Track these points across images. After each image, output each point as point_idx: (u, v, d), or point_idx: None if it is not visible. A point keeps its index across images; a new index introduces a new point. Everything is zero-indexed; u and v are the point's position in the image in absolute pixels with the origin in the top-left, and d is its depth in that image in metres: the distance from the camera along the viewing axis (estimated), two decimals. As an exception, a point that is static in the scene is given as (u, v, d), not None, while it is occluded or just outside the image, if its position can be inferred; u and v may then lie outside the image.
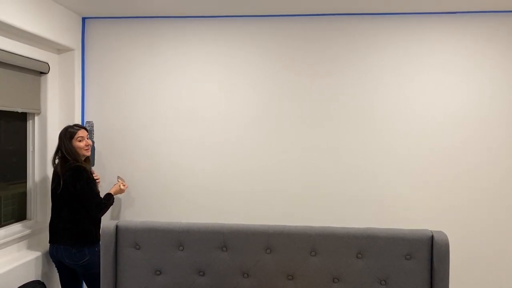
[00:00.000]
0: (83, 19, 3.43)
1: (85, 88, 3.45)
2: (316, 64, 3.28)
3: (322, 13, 3.24)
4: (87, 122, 3.43)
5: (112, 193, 2.97)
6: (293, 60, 3.30)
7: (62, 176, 2.74)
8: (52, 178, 2.84)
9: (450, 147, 3.20)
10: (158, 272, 2.30)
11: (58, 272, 2.90)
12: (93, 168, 3.42)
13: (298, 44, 3.29)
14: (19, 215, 3.09)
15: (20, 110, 2.94)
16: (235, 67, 3.34)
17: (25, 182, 3.14)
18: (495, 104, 3.16)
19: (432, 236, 2.19)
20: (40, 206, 3.20)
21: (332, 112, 3.28)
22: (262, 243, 2.26)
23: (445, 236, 2.17)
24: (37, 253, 2.94)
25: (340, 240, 2.23)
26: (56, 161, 2.84)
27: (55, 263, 2.88)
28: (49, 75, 3.20)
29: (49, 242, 2.84)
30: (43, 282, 2.83)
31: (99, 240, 2.83)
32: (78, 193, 2.72)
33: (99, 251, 2.81)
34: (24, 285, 2.71)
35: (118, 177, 3.23)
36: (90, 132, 3.41)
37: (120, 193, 3.09)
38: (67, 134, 2.81)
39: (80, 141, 2.82)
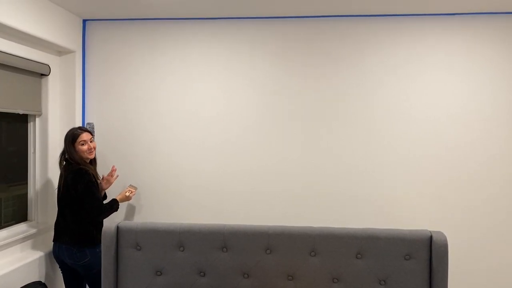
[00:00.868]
0: (84, 21, 3.44)
1: (85, 89, 3.46)
2: (316, 65, 3.29)
3: (321, 15, 3.25)
4: (88, 123, 3.45)
5: (118, 200, 2.98)
6: (293, 61, 3.31)
7: (65, 178, 2.78)
8: (59, 179, 2.88)
9: (450, 148, 3.21)
10: (159, 273, 2.31)
11: (61, 271, 2.93)
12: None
13: (298, 46, 3.30)
14: (20, 216, 3.10)
15: (21, 112, 2.95)
16: (235, 68, 3.36)
17: (26, 183, 3.15)
18: (496, 106, 3.18)
19: (431, 237, 2.20)
20: (41, 208, 3.21)
21: (332, 113, 3.29)
22: (262, 243, 2.27)
23: (444, 236, 2.18)
24: (38, 254, 2.95)
25: (340, 240, 2.24)
26: (63, 162, 2.87)
27: (58, 263, 2.90)
28: (50, 77, 3.21)
29: (53, 241, 2.88)
30: (44, 283, 2.84)
31: (100, 242, 2.84)
32: (79, 195, 2.74)
33: (100, 252, 2.82)
34: (25, 286, 2.72)
35: (130, 185, 3.24)
36: (92, 134, 3.42)
37: (127, 200, 3.11)
38: (70, 137, 2.83)
39: (82, 144, 2.82)
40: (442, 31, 3.20)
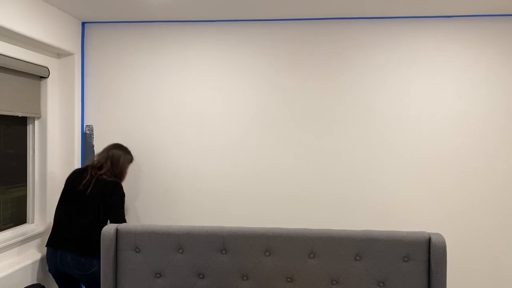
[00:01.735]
0: (83, 23, 3.45)
1: (85, 92, 3.47)
2: (316, 67, 3.31)
3: (321, 17, 3.26)
4: (87, 126, 3.45)
5: None
6: (293, 63, 3.32)
7: (101, 188, 2.80)
8: (81, 179, 2.83)
9: (449, 150, 3.22)
10: (158, 275, 2.32)
11: (57, 281, 2.82)
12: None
13: (298, 48, 3.32)
14: (19, 219, 3.10)
15: (20, 114, 2.96)
16: (235, 70, 3.37)
17: (25, 186, 3.15)
18: (494, 107, 3.19)
19: (430, 239, 2.21)
20: (40, 210, 3.21)
21: (332, 115, 3.30)
22: (261, 245, 2.28)
23: (443, 238, 2.19)
24: (38, 256, 2.95)
25: (338, 242, 2.25)
26: (102, 171, 2.88)
27: (54, 271, 2.77)
28: (49, 79, 3.21)
29: (52, 247, 2.74)
30: (43, 286, 2.84)
31: None
32: (110, 205, 2.79)
33: None
34: (24, 288, 2.72)
35: None
36: (90, 136, 3.43)
37: None
38: (130, 159, 3.11)
39: (127, 167, 3.10)
40: (441, 33, 3.22)
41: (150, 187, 3.43)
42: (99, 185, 2.80)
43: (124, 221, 2.86)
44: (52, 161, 3.24)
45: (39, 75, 3.12)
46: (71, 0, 2.93)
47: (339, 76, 3.29)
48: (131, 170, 3.43)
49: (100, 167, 2.91)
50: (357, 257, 2.25)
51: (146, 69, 3.42)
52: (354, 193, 3.29)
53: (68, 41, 3.23)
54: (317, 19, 3.29)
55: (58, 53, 3.30)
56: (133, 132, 3.44)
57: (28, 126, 3.18)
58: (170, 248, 2.31)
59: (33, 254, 2.99)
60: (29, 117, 3.16)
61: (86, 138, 3.46)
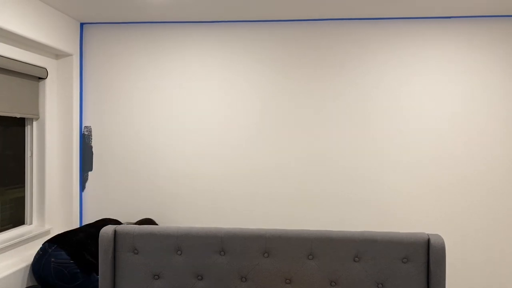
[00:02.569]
0: (81, 24, 3.45)
1: (83, 93, 3.46)
2: (316, 68, 3.30)
3: (320, 18, 3.26)
4: (85, 127, 3.45)
5: None
6: (292, 65, 3.32)
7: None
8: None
9: (447, 151, 3.22)
10: (156, 277, 2.31)
11: None
12: (91, 173, 3.43)
13: (297, 49, 3.31)
14: (17, 220, 3.09)
15: (18, 115, 2.95)
16: (234, 71, 3.36)
17: (23, 187, 3.14)
18: (493, 108, 3.19)
19: (429, 240, 2.20)
20: (38, 211, 3.20)
21: (331, 116, 3.30)
22: (259, 247, 2.27)
23: (442, 239, 2.18)
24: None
25: (337, 243, 2.24)
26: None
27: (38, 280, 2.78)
28: (48, 80, 3.21)
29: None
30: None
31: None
32: None
33: (96, 281, 2.79)
34: (22, 290, 2.71)
35: None
36: (88, 137, 3.42)
37: None
38: None
39: None
40: (440, 34, 3.22)
41: (148, 188, 3.42)
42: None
43: None
44: (50, 162, 3.24)
45: (37, 76, 3.12)
46: (69, 1, 2.93)
47: (339, 76, 3.29)
48: (129, 171, 3.43)
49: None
50: (356, 258, 2.24)
51: (145, 70, 3.42)
52: (353, 194, 3.29)
53: (66, 42, 3.22)
54: (317, 20, 3.29)
55: (57, 54, 3.29)
56: (131, 133, 3.43)
57: (26, 127, 3.17)
58: (168, 249, 2.30)
59: (31, 255, 2.98)
60: (27, 118, 3.15)
61: (85, 139, 3.45)
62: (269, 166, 3.35)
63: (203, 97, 3.39)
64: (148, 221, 3.21)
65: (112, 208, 3.45)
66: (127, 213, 3.45)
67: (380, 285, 2.23)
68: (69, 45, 3.27)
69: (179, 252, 2.30)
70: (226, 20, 3.33)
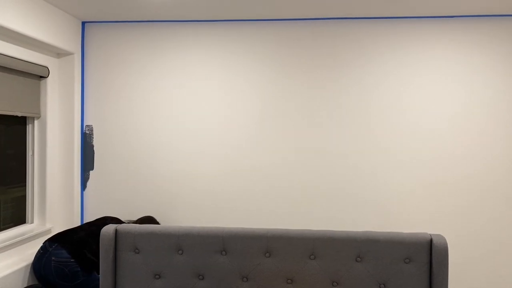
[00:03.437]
0: (83, 23, 3.44)
1: (84, 92, 3.46)
2: (317, 68, 3.29)
3: (321, 17, 3.25)
4: (87, 126, 3.44)
5: None
6: (293, 64, 3.31)
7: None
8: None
9: (449, 151, 3.20)
10: (157, 276, 2.30)
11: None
12: (93, 172, 3.43)
13: (297, 48, 3.30)
14: (18, 219, 3.09)
15: (19, 114, 2.95)
16: (235, 70, 3.35)
17: (25, 186, 3.14)
18: (495, 108, 3.17)
19: (431, 240, 2.19)
20: (39, 210, 3.20)
21: (332, 116, 3.29)
22: (261, 246, 2.26)
23: (444, 239, 2.17)
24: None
25: (339, 243, 2.23)
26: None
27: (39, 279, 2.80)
28: (49, 79, 3.20)
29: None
30: (42, 286, 2.82)
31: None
32: None
33: (97, 280, 2.79)
34: (23, 289, 2.71)
35: None
36: (90, 136, 3.42)
37: None
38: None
39: None
40: (441, 33, 3.20)
41: (149, 187, 3.42)
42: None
43: None
44: (52, 161, 3.23)
45: (39, 75, 3.11)
46: (71, 0, 2.92)
47: (340, 76, 3.28)
48: (130, 170, 3.42)
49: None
50: (358, 259, 2.23)
51: (146, 68, 3.41)
52: (355, 194, 3.28)
53: (68, 41, 3.22)
54: (318, 19, 3.28)
55: (58, 53, 3.29)
56: (133, 132, 3.42)
57: (27, 126, 3.16)
58: (169, 249, 2.29)
59: (33, 254, 2.98)
60: (28, 117, 3.15)
61: (86, 138, 3.45)
62: (269, 166, 3.34)
63: (204, 97, 3.38)
64: (149, 219, 3.21)
65: (113, 207, 3.44)
66: (128, 212, 3.44)
67: (382, 285, 2.22)
68: (71, 44, 3.26)
69: (180, 252, 2.30)
70: (227, 19, 3.32)
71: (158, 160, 3.41)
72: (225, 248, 2.28)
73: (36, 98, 3.14)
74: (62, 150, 3.34)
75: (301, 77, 3.30)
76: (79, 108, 3.39)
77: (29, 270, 2.82)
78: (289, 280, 2.26)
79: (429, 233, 2.93)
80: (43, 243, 2.80)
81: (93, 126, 3.45)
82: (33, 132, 3.18)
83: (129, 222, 3.17)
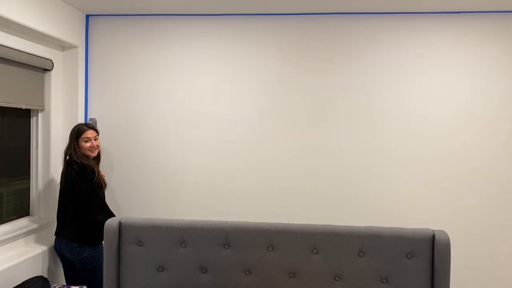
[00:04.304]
0: (87, 16, 3.44)
1: (88, 85, 3.46)
2: (321, 63, 3.28)
3: (325, 12, 3.24)
4: (91, 119, 3.45)
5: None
6: (296, 59, 3.30)
7: (69, 174, 2.79)
8: (61, 174, 2.90)
9: (452, 146, 3.20)
10: (160, 269, 2.32)
11: (62, 265, 2.97)
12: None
13: (301, 43, 3.29)
14: (22, 211, 3.10)
15: (24, 107, 2.95)
16: (238, 65, 3.35)
17: (28, 178, 3.15)
18: (498, 104, 3.17)
19: (434, 235, 2.20)
20: (43, 202, 3.22)
21: (335, 112, 3.29)
22: (264, 240, 2.27)
23: (447, 235, 2.17)
24: (40, 249, 2.96)
25: (342, 238, 2.24)
26: (67, 157, 2.89)
27: (59, 256, 2.95)
28: (53, 72, 3.21)
29: (55, 234, 2.92)
30: (46, 278, 2.84)
31: (101, 242, 2.85)
32: (81, 192, 2.76)
33: (100, 251, 2.84)
34: (27, 280, 2.72)
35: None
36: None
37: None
38: (75, 133, 2.84)
39: (86, 141, 2.83)
40: (446, 29, 3.19)
41: (152, 182, 3.43)
42: (66, 176, 2.82)
43: (101, 209, 2.78)
44: (56, 153, 3.24)
45: (43, 68, 3.12)
46: (75, -8, 2.92)
47: (345, 72, 3.27)
48: (134, 164, 3.43)
49: (65, 157, 2.91)
50: (361, 253, 2.24)
51: (150, 62, 3.41)
52: (359, 190, 3.28)
53: (72, 34, 3.22)
54: (323, 13, 3.27)
55: (62, 46, 3.29)
56: (136, 126, 3.43)
57: (31, 119, 3.17)
58: (173, 242, 2.30)
59: (36, 246, 3.00)
60: (32, 109, 3.15)
61: (90, 131, 3.45)
62: (273, 162, 3.34)
63: (209, 90, 3.38)
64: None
65: (115, 200, 3.46)
66: (130, 205, 3.46)
67: (384, 280, 2.23)
68: (75, 37, 3.26)
69: (183, 245, 2.31)
70: (232, 13, 3.31)
71: (162, 153, 3.42)
72: (228, 241, 2.29)
73: (40, 91, 3.14)
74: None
75: (308, 74, 3.30)
76: (83, 101, 3.39)
77: (31, 262, 2.83)
78: (291, 274, 2.27)
79: (431, 228, 2.94)
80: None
81: (96, 119, 3.45)
82: (37, 124, 3.19)
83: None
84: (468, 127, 3.19)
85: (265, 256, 2.27)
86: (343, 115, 3.28)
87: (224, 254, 2.29)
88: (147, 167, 3.43)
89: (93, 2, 3.13)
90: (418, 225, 3.23)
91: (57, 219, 2.91)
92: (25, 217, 3.11)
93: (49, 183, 3.22)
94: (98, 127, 3.45)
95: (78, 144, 2.82)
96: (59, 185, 2.90)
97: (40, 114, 3.20)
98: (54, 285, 2.72)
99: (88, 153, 2.85)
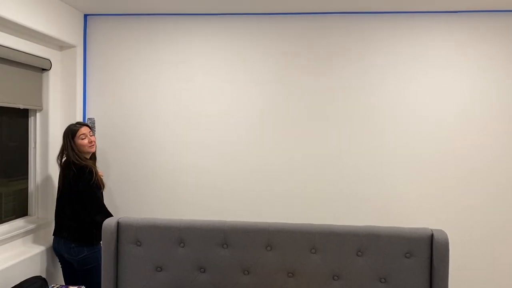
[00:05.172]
0: (85, 16, 3.43)
1: (86, 84, 3.45)
2: (320, 63, 3.28)
3: (325, 11, 3.23)
4: (89, 119, 3.44)
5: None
6: (296, 59, 3.30)
7: (67, 175, 2.79)
8: (59, 175, 2.89)
9: (452, 146, 3.20)
10: (159, 269, 2.31)
11: (60, 265, 2.96)
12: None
13: (301, 43, 3.29)
14: (20, 211, 3.10)
15: (22, 107, 2.95)
16: (236, 65, 3.35)
17: (27, 178, 3.15)
18: (498, 104, 3.16)
19: (432, 235, 2.20)
20: (41, 202, 3.21)
21: (335, 112, 3.28)
22: (262, 240, 2.27)
23: (445, 234, 2.17)
24: (39, 249, 2.95)
25: (340, 238, 2.24)
26: (63, 158, 2.87)
27: (57, 256, 2.94)
28: (51, 71, 3.20)
29: (53, 235, 2.92)
30: (44, 278, 2.84)
31: (99, 242, 2.85)
32: (80, 193, 2.75)
33: (98, 251, 2.84)
34: (25, 280, 2.72)
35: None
36: (92, 129, 3.41)
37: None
38: (70, 133, 2.83)
39: (83, 139, 2.82)
40: (446, 29, 3.19)
41: (150, 182, 3.42)
42: (64, 178, 2.82)
43: (100, 209, 2.77)
44: (54, 153, 3.23)
45: (41, 67, 3.11)
46: (73, -8, 2.92)
47: (344, 72, 3.27)
48: (132, 163, 3.42)
49: (60, 160, 2.90)
50: (359, 253, 2.24)
51: (149, 62, 3.40)
52: (357, 189, 3.28)
53: (70, 34, 3.21)
54: (321, 13, 3.26)
55: (60, 46, 3.28)
56: (134, 126, 3.42)
57: (29, 119, 3.17)
58: (171, 241, 2.30)
59: (34, 246, 2.99)
60: (30, 109, 3.15)
61: (88, 131, 3.44)
62: (272, 162, 3.34)
63: (207, 90, 3.37)
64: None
65: (113, 200, 3.45)
66: (128, 204, 3.45)
67: (383, 280, 2.23)
68: (73, 36, 3.26)
69: (182, 245, 2.30)
70: (231, 12, 3.31)
71: (160, 153, 3.41)
72: (226, 241, 2.28)
73: (38, 91, 3.14)
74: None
75: (307, 74, 3.29)
76: (81, 100, 3.38)
77: (29, 262, 2.83)
78: (290, 274, 2.27)
79: (430, 228, 2.94)
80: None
81: (95, 119, 3.45)
82: (35, 124, 3.18)
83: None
84: (468, 127, 3.19)
85: (263, 255, 2.27)
86: (343, 115, 3.28)
87: (222, 253, 2.28)
88: (146, 167, 3.43)
89: (91, 2, 3.12)
90: (418, 225, 3.23)
91: (55, 220, 2.91)
92: (23, 217, 3.10)
93: (47, 183, 3.22)
94: (96, 127, 3.45)
95: (75, 143, 2.81)
96: (58, 188, 2.89)
97: (38, 114, 3.19)
98: (52, 285, 2.71)
99: (88, 149, 2.85)
